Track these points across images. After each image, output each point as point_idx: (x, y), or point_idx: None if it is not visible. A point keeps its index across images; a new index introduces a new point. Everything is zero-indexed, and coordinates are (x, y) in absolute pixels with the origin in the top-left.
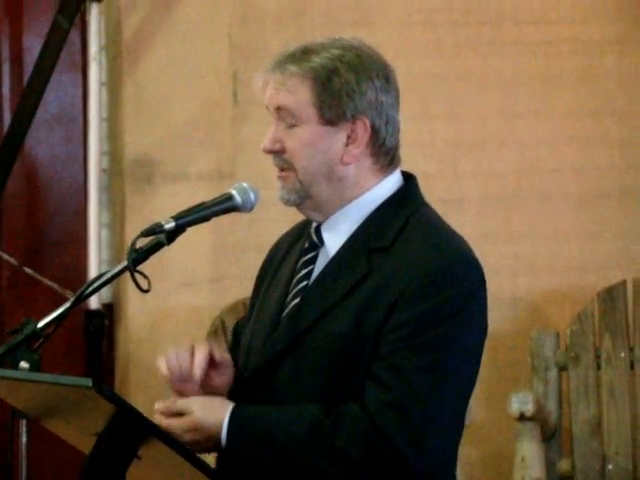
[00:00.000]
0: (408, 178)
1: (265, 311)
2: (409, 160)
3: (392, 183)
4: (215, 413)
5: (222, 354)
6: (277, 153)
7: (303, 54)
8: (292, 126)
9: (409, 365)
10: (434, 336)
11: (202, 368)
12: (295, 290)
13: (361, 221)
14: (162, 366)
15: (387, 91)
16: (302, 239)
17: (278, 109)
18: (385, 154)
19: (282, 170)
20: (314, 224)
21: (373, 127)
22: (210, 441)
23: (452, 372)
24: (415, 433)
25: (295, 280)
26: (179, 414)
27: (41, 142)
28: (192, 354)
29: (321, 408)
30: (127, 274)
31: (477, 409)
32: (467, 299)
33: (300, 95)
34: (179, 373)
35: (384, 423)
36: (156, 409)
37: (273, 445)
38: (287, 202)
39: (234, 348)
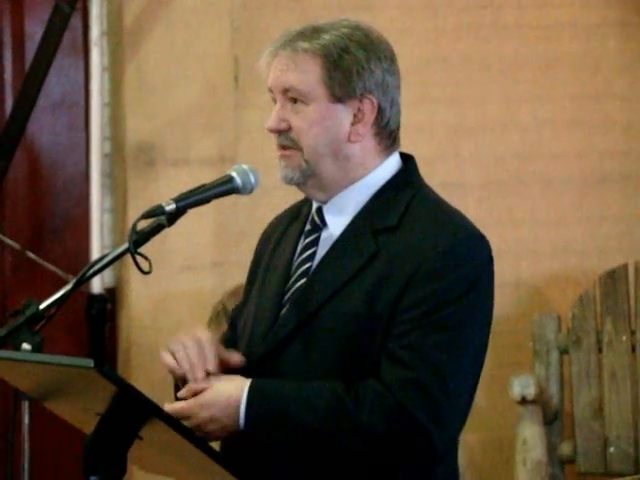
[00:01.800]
0: (406, 159)
1: (265, 295)
2: (410, 144)
3: (392, 164)
4: (233, 388)
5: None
6: (282, 132)
7: (313, 32)
8: (300, 104)
9: (427, 343)
10: (449, 314)
11: (214, 364)
12: (298, 272)
13: (364, 202)
14: (169, 360)
15: (392, 73)
16: (297, 221)
17: (285, 90)
18: (388, 135)
19: (285, 149)
20: (314, 206)
21: (379, 107)
22: (228, 418)
23: (467, 347)
24: (436, 409)
25: (297, 262)
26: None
27: (43, 128)
28: (200, 345)
29: (340, 384)
30: (129, 257)
31: (478, 392)
32: (478, 275)
33: (310, 73)
34: (188, 368)
35: (406, 400)
36: (170, 408)
37: (294, 419)
38: (290, 181)
39: (231, 335)
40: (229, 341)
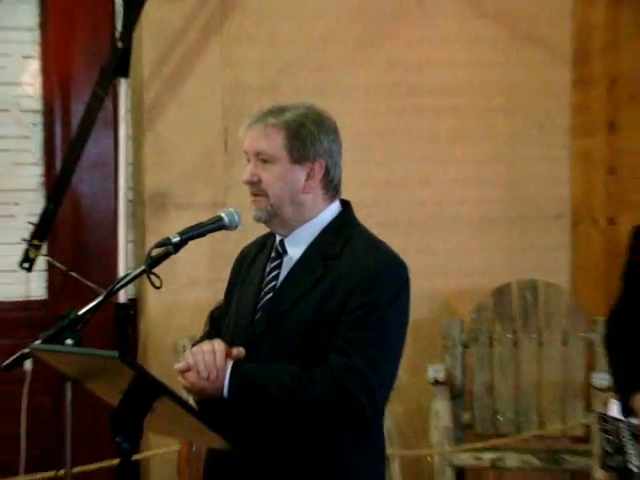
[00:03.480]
0: (345, 204)
1: (243, 304)
2: (354, 193)
3: (334, 208)
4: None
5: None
6: (254, 184)
7: (279, 111)
8: (268, 164)
9: (362, 338)
10: (378, 317)
11: (223, 366)
12: (267, 288)
13: (315, 236)
14: (184, 363)
15: (336, 142)
16: (265, 250)
17: (257, 153)
18: (333, 188)
19: (256, 196)
20: (277, 239)
21: (326, 168)
22: (214, 390)
23: (392, 343)
24: (368, 386)
25: (266, 281)
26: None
27: (83, 181)
28: (213, 352)
29: (299, 368)
30: (145, 275)
31: (403, 376)
32: (399, 290)
33: (276, 141)
34: (203, 369)
35: (346, 380)
36: (176, 367)
37: (266, 392)
38: (259, 219)
39: (211, 330)
40: (211, 335)
